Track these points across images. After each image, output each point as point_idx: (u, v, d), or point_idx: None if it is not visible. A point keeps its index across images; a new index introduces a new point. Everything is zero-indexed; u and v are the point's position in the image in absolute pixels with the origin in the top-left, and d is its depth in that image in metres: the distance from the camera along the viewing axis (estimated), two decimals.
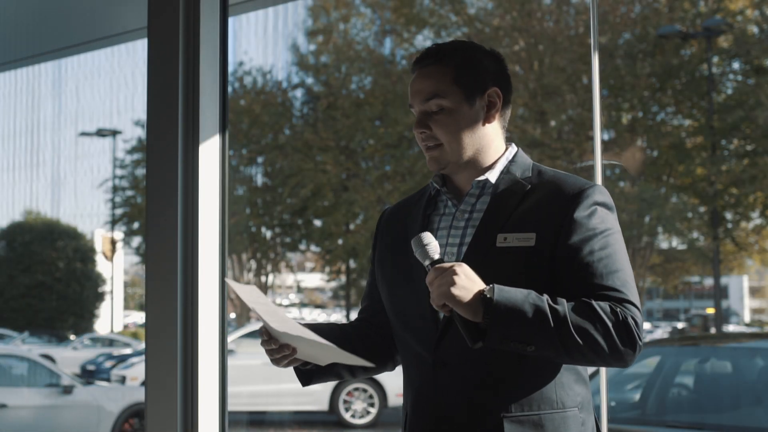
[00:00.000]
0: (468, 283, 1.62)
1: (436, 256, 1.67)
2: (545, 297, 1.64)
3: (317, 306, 31.20)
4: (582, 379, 1.80)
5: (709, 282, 22.15)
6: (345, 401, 11.07)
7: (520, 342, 1.62)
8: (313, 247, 21.24)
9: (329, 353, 1.75)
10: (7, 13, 4.18)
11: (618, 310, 1.66)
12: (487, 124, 1.84)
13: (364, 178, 18.17)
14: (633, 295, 1.70)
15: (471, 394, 1.73)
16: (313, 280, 31.34)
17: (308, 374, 1.92)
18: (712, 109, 15.61)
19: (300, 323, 1.74)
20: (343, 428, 10.99)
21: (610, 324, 1.64)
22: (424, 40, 18.15)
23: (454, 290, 1.61)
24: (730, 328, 25.68)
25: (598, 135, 2.66)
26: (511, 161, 1.85)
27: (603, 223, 1.74)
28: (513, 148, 1.88)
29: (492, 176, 1.82)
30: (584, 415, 1.77)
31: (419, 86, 1.84)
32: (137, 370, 12.25)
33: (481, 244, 1.75)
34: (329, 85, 18.69)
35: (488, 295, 1.62)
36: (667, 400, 5.00)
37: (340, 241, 18.95)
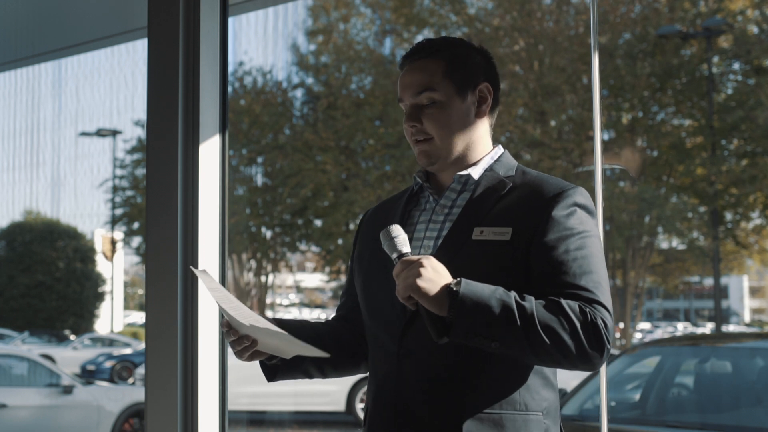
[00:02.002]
0: (434, 275, 1.60)
1: (404, 249, 1.66)
2: (513, 293, 1.62)
3: (317, 306, 31.20)
4: (550, 385, 1.76)
5: (709, 282, 22.15)
6: (362, 400, 11.13)
7: (485, 337, 1.60)
8: (313, 247, 21.24)
9: (287, 343, 1.73)
10: (7, 13, 4.18)
11: (588, 310, 1.63)
12: (477, 120, 1.83)
13: (364, 178, 18.16)
14: (605, 297, 1.67)
15: (433, 386, 1.71)
16: (313, 280, 31.35)
17: (273, 369, 1.88)
18: (712, 109, 15.61)
19: (262, 316, 1.72)
20: (360, 428, 11.02)
21: (578, 324, 1.61)
22: None
23: (420, 282, 1.58)
24: (730, 328, 25.68)
25: (598, 135, 2.66)
26: (496, 160, 1.84)
27: (581, 224, 1.72)
28: (499, 149, 1.87)
29: (475, 172, 1.81)
30: (549, 422, 1.74)
31: (410, 79, 1.82)
32: None
33: (457, 237, 1.74)
34: (329, 85, 18.68)
35: (454, 288, 1.60)
36: (667, 400, 5.00)
37: (340, 241, 18.95)
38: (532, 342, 1.59)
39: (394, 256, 1.66)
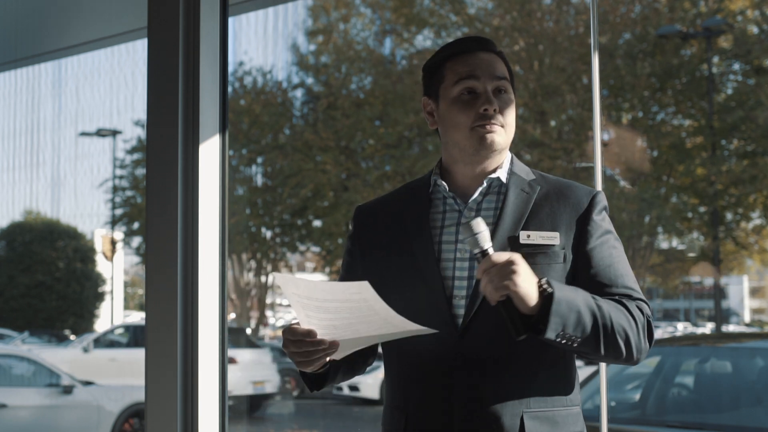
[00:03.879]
0: (529, 275, 1.60)
1: (486, 245, 1.62)
2: (590, 295, 1.68)
3: None
4: (577, 378, 1.84)
5: (709, 282, 22.15)
6: None
7: (569, 337, 1.63)
8: (313, 247, 21.24)
9: (392, 329, 1.64)
10: (7, 13, 4.18)
11: (643, 309, 1.73)
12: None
13: (364, 178, 18.16)
14: (642, 294, 1.78)
15: (490, 390, 1.72)
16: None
17: (321, 378, 1.81)
18: (712, 109, 15.61)
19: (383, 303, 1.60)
20: None
21: (640, 323, 1.71)
22: (424, 40, 18.15)
23: (519, 280, 1.57)
24: (730, 328, 25.66)
25: (598, 135, 2.66)
26: (512, 163, 1.87)
27: (610, 226, 1.82)
28: (509, 153, 1.90)
29: (502, 175, 1.83)
30: (581, 413, 1.82)
31: (493, 63, 1.83)
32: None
33: (504, 241, 1.75)
34: (329, 85, 18.69)
35: (548, 289, 1.61)
36: (667, 400, 5.00)
37: (340, 241, 18.95)
38: (607, 342, 1.67)
39: (477, 251, 1.62)
